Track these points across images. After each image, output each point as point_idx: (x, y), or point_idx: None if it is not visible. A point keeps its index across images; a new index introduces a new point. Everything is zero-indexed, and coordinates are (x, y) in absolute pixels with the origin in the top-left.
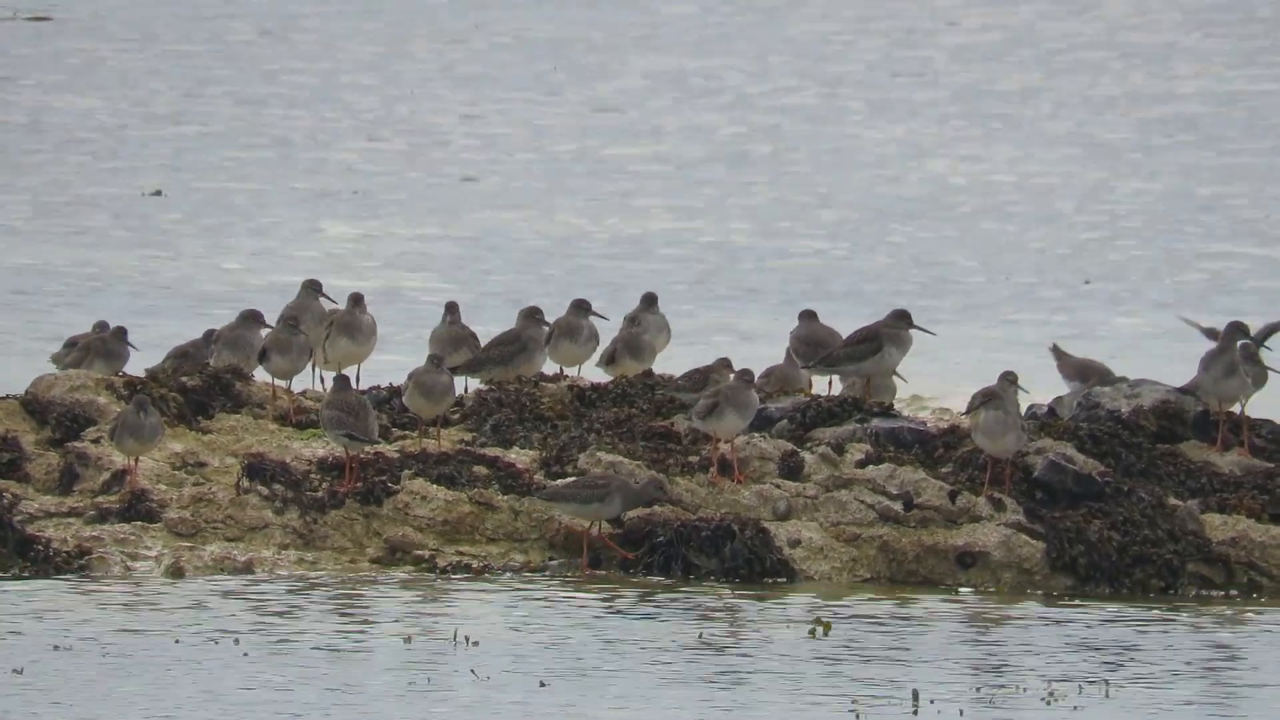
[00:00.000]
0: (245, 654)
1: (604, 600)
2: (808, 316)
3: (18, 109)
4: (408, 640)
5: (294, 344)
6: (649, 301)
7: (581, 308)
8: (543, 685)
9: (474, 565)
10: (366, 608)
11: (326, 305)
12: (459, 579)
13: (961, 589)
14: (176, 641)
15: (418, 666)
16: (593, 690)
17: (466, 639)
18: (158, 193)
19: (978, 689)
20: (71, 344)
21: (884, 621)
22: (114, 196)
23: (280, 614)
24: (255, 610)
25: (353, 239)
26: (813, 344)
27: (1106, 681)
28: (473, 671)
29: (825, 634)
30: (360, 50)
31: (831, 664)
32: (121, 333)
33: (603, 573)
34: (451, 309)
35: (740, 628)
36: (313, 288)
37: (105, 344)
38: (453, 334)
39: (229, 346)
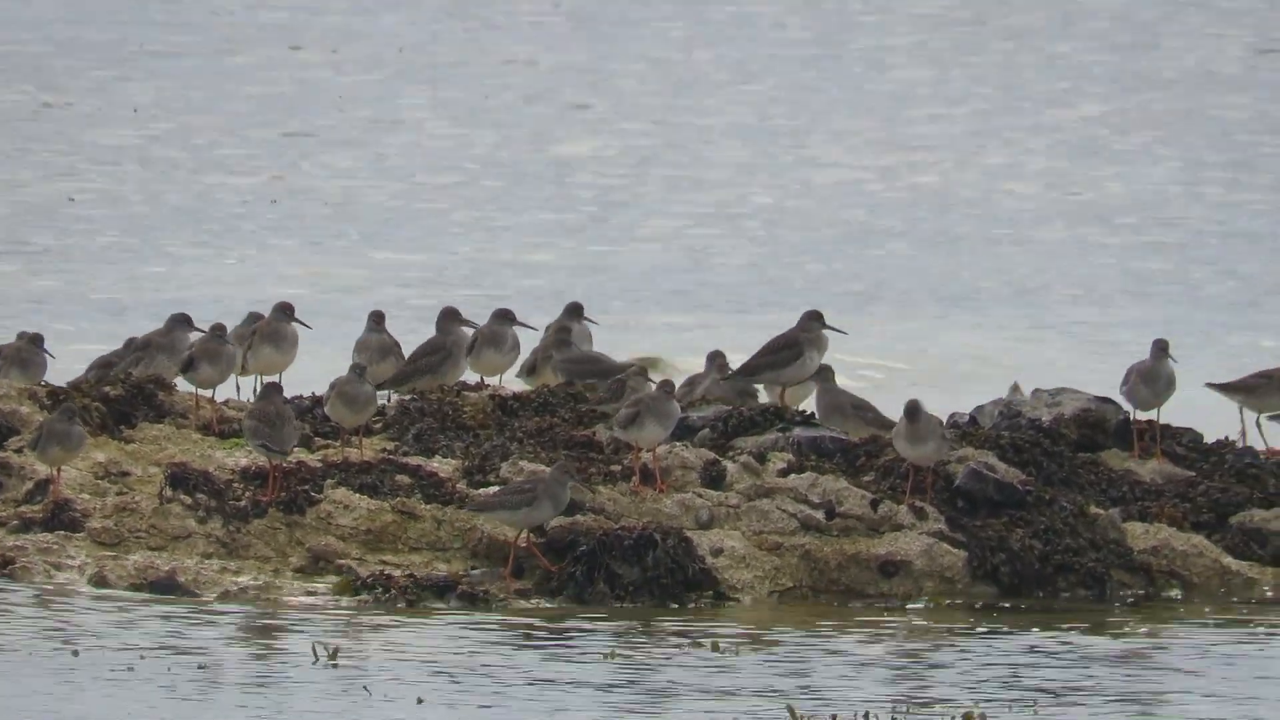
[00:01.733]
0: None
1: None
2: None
3: None
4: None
5: (223, 353)
6: (573, 311)
7: (505, 317)
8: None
9: (397, 575)
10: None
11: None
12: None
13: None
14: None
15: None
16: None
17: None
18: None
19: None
20: None
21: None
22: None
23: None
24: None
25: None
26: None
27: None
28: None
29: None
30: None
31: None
32: (37, 340)
33: (525, 585)
34: (377, 318)
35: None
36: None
37: (20, 352)
38: (380, 343)
39: (164, 351)
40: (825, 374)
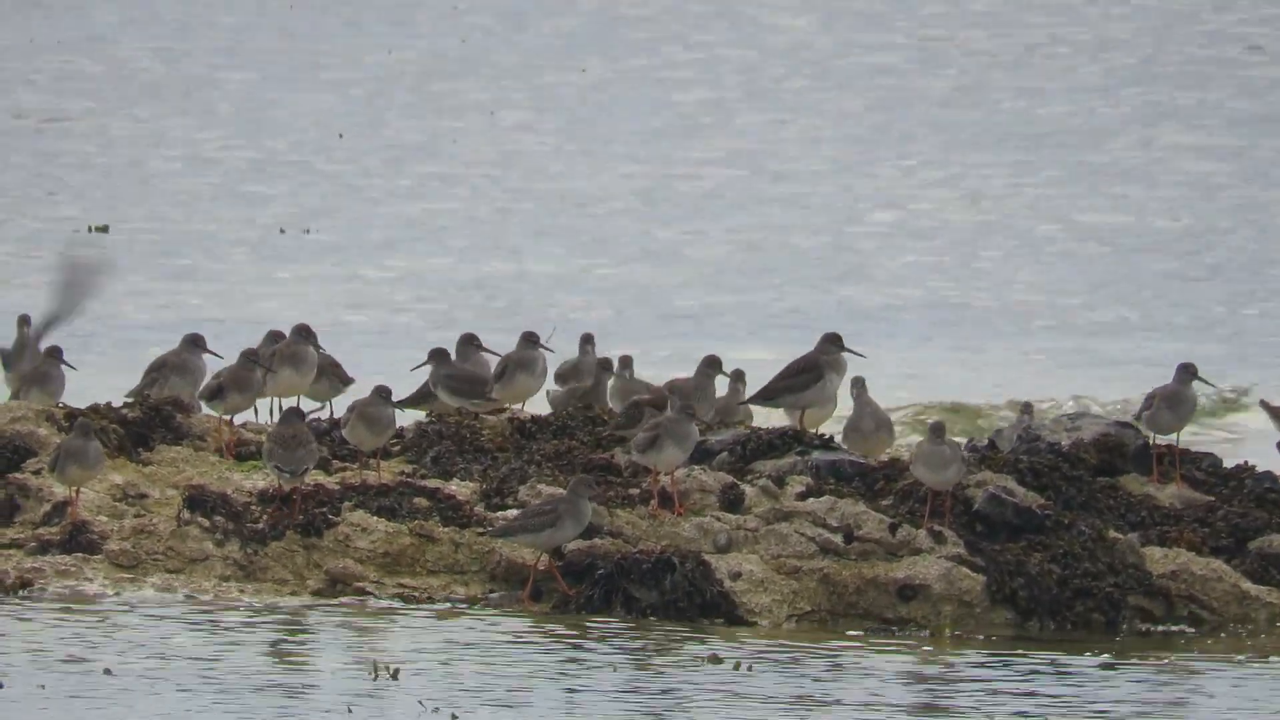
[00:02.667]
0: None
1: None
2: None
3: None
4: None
5: (253, 381)
6: (586, 341)
7: (531, 340)
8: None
9: (417, 597)
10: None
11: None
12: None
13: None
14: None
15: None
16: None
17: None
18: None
19: None
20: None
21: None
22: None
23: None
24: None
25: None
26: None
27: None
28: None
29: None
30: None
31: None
32: (56, 352)
33: (544, 608)
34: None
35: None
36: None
37: (38, 370)
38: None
39: (177, 372)
40: (860, 385)
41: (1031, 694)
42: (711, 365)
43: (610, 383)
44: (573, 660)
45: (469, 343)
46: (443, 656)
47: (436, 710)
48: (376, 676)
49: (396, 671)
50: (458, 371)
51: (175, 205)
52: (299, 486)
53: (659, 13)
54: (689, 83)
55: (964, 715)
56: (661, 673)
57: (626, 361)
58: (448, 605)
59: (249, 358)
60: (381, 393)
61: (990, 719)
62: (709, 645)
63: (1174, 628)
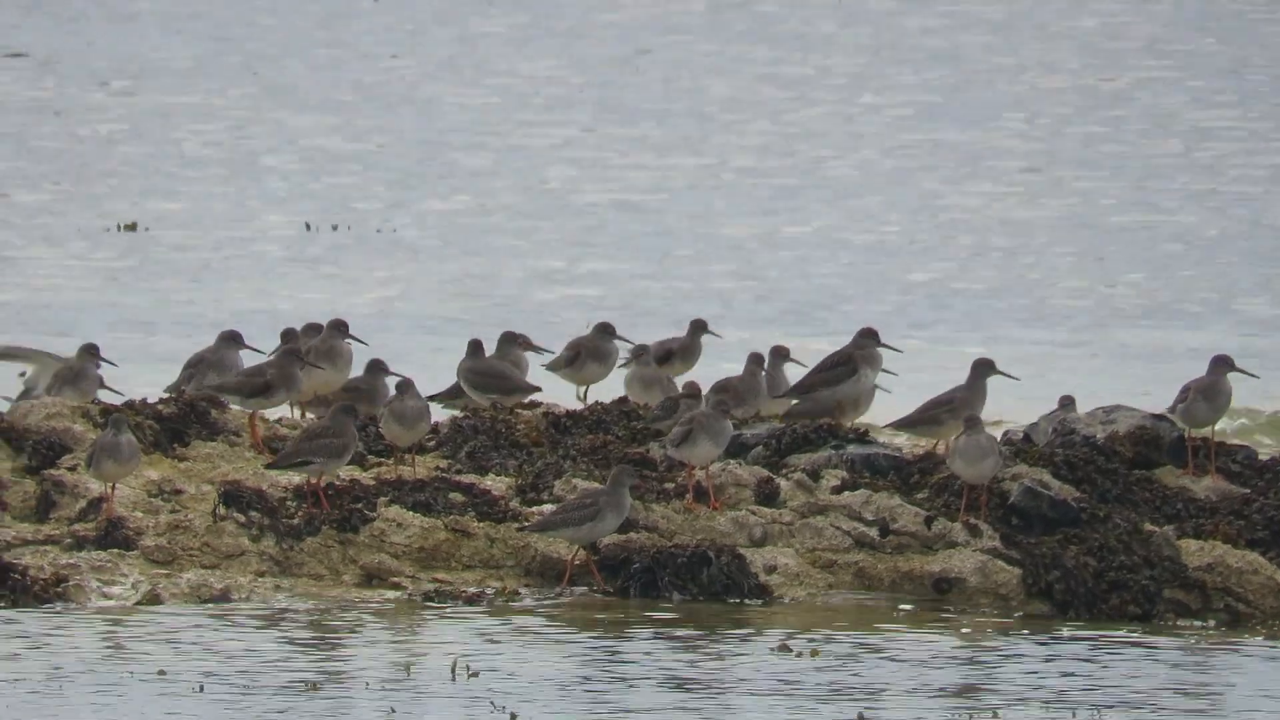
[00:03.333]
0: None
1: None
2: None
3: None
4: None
5: (298, 378)
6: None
7: (607, 331)
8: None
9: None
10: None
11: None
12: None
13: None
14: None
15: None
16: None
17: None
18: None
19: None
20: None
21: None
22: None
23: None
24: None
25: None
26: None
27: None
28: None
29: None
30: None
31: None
32: (92, 349)
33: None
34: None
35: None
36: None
37: (72, 369)
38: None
39: (213, 368)
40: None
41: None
42: (756, 360)
43: (629, 371)
44: (620, 651)
45: (511, 340)
46: (490, 652)
47: (503, 709)
48: (455, 676)
49: (475, 672)
50: (481, 365)
51: (205, 200)
52: (317, 482)
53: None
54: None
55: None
56: (717, 659)
57: (639, 352)
58: (489, 600)
59: (292, 354)
60: (407, 387)
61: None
62: (756, 630)
63: (1210, 621)
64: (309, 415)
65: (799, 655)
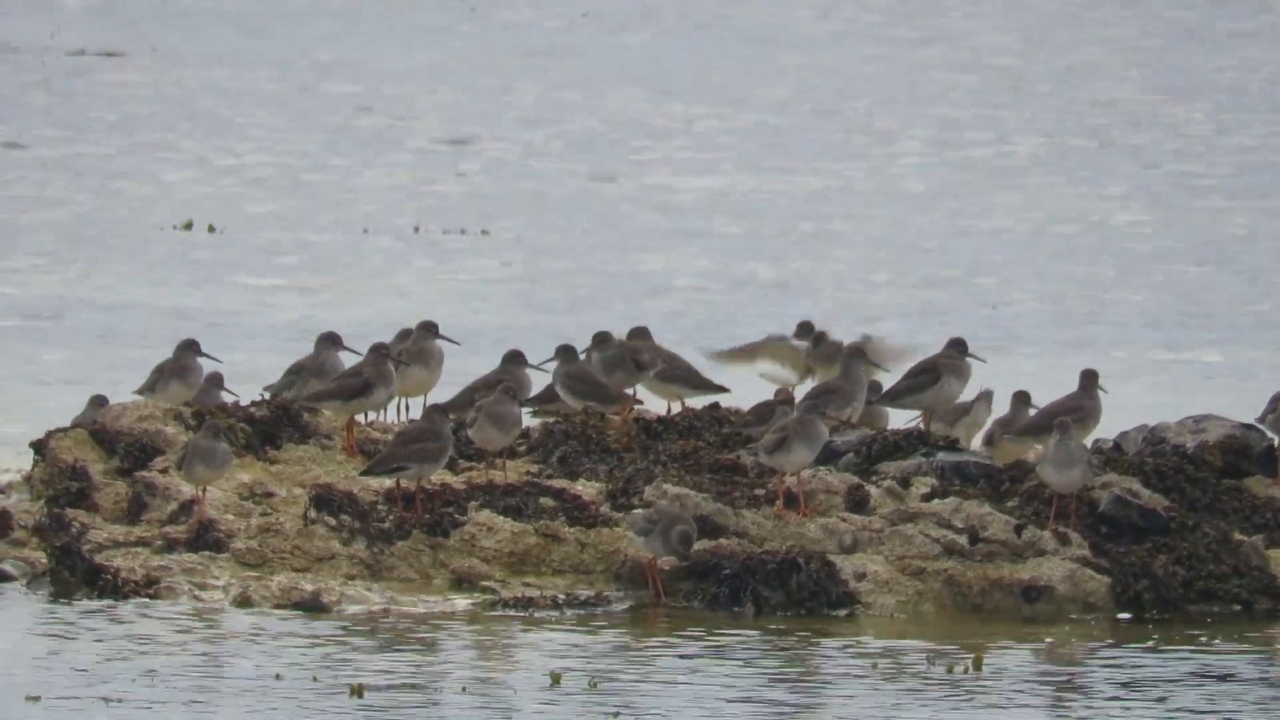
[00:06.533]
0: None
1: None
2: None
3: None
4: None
5: (391, 375)
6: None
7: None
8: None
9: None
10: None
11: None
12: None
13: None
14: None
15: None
16: None
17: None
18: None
19: None
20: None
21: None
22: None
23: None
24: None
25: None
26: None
27: None
28: None
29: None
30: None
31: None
32: (193, 345)
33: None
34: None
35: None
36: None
37: (177, 364)
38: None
39: (315, 374)
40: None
41: None
42: (855, 354)
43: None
44: (712, 660)
45: (603, 340)
46: (583, 657)
47: (618, 716)
48: (556, 683)
49: (595, 682)
50: (578, 370)
51: (277, 201)
52: (412, 486)
53: None
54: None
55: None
56: (810, 669)
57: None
58: (580, 604)
59: (381, 353)
60: (508, 391)
61: None
62: (835, 640)
63: None
64: (404, 417)
65: (977, 666)
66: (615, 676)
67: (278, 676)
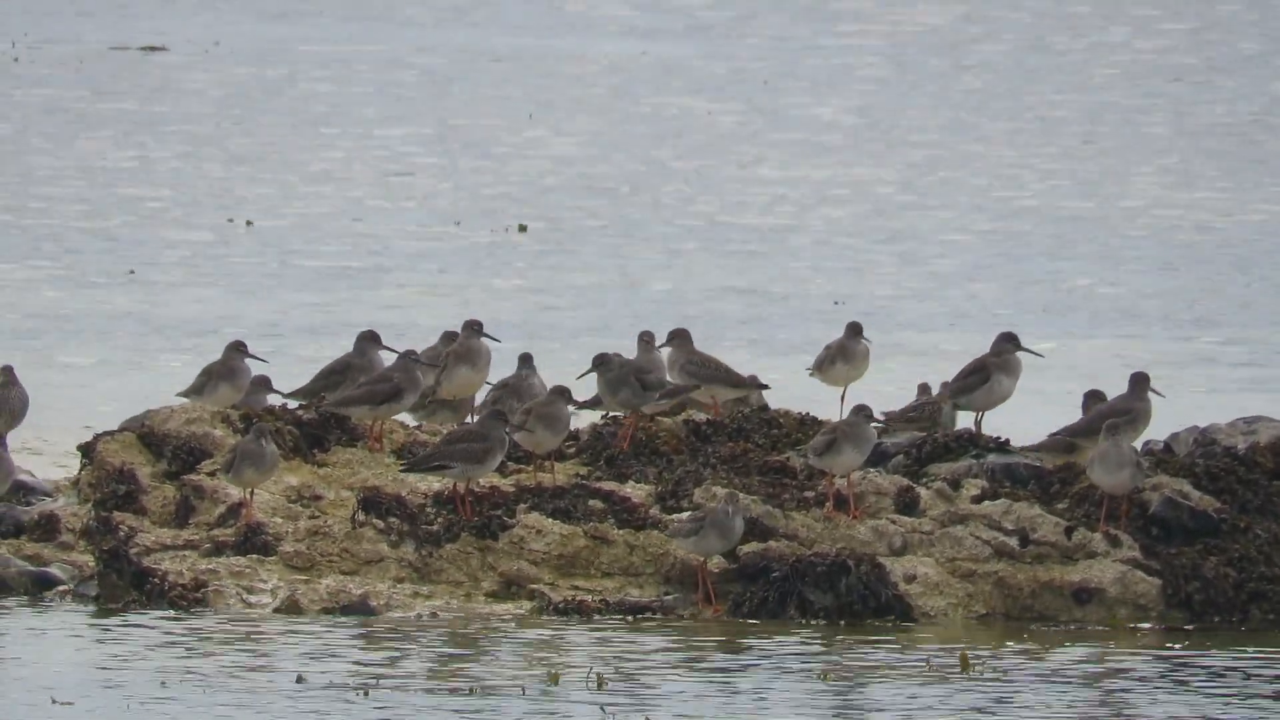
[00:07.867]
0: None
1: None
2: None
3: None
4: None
5: (421, 380)
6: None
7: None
8: None
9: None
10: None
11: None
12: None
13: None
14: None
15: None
16: None
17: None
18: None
19: None
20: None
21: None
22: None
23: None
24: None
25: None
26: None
27: None
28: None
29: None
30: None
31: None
32: (240, 347)
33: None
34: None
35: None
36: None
37: (226, 365)
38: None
39: (363, 373)
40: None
41: None
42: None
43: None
44: (757, 664)
45: (647, 341)
46: (629, 659)
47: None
48: (600, 686)
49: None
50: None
51: (324, 201)
52: (465, 487)
53: None
54: None
55: None
56: (853, 676)
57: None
58: (628, 608)
59: (409, 358)
60: (561, 393)
61: None
62: (883, 647)
63: None
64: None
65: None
66: (645, 677)
67: (299, 679)
